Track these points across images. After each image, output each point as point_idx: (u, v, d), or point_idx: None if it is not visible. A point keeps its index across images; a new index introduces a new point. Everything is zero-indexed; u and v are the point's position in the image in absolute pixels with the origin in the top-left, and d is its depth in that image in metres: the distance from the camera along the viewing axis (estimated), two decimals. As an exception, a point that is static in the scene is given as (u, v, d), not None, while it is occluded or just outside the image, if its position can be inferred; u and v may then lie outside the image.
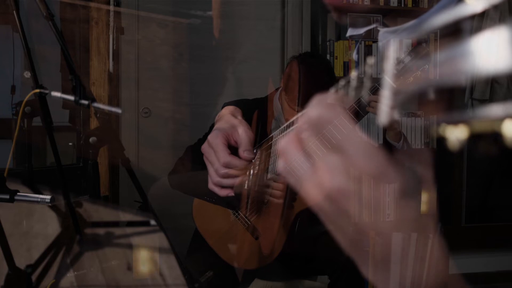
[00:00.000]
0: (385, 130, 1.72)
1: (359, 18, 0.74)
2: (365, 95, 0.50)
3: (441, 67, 0.27)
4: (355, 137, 0.39)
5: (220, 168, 0.74)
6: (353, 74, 0.49)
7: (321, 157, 0.41)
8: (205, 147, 0.77)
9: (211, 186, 0.78)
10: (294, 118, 0.69)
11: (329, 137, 0.41)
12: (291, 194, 1.46)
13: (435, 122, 0.28)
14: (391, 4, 2.79)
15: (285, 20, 2.95)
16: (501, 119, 0.24)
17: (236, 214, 1.54)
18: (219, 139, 0.75)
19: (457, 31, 0.27)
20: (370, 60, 0.46)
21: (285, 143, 0.44)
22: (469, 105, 2.84)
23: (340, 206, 0.40)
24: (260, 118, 1.53)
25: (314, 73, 1.57)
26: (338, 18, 0.68)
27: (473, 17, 0.26)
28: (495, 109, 0.25)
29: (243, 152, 0.73)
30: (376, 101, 0.86)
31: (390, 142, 1.65)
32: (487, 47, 0.24)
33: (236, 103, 1.22)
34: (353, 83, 0.49)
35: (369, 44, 2.84)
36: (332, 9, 0.68)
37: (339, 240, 0.42)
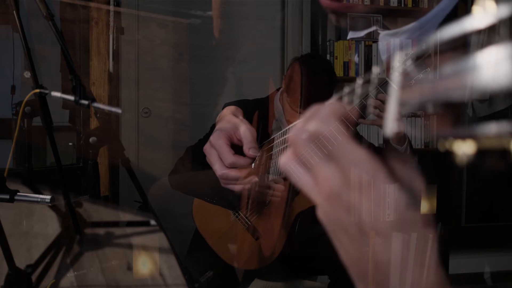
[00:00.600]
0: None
1: (359, 18, 0.74)
2: (368, 98, 0.50)
3: (443, 81, 0.27)
4: (348, 148, 0.40)
5: (224, 168, 0.74)
6: (358, 80, 0.49)
7: (316, 165, 0.41)
8: (207, 148, 0.77)
9: (224, 185, 0.78)
10: (294, 124, 0.69)
11: (323, 147, 0.41)
12: (292, 195, 1.46)
13: (439, 134, 0.28)
14: (391, 4, 2.80)
15: (285, 20, 2.95)
16: (508, 136, 0.24)
17: (236, 214, 1.54)
18: (221, 139, 0.74)
19: (460, 45, 0.27)
20: (376, 69, 0.46)
21: (284, 160, 0.45)
22: (469, 105, 2.84)
23: (337, 213, 0.40)
24: (261, 118, 1.53)
25: (316, 75, 1.57)
26: (337, 21, 0.68)
27: (478, 31, 0.26)
28: (502, 126, 0.25)
29: (248, 149, 0.73)
30: (377, 106, 0.86)
31: (393, 145, 1.64)
32: (490, 61, 0.24)
33: (237, 104, 1.22)
34: (357, 88, 0.49)
35: (369, 44, 2.84)
36: (330, 12, 0.68)
37: (337, 246, 0.42)
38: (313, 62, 1.65)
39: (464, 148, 0.27)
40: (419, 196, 0.40)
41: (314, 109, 0.45)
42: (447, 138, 0.27)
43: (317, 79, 1.56)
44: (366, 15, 0.73)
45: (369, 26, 0.72)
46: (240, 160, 0.73)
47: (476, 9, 0.25)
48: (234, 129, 0.76)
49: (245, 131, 0.74)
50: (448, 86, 0.27)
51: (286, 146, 0.78)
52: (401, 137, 1.64)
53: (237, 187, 0.77)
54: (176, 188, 1.56)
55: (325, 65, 1.70)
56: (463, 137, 0.26)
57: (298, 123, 0.45)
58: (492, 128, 0.25)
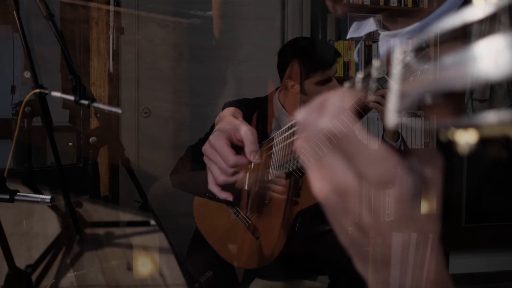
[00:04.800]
0: (384, 129, 1.72)
1: (360, 18, 0.74)
2: (368, 93, 0.50)
3: (442, 72, 0.27)
4: (354, 139, 0.39)
5: (227, 169, 0.74)
6: (358, 75, 0.49)
7: (324, 155, 0.41)
8: (206, 148, 0.77)
9: (211, 186, 0.78)
10: (294, 121, 0.69)
11: (330, 137, 0.40)
12: (292, 194, 1.46)
13: (440, 126, 0.28)
14: (391, 4, 2.80)
15: (285, 20, 2.95)
16: (509, 124, 0.24)
17: (237, 213, 1.54)
18: (221, 140, 0.74)
19: (459, 36, 0.27)
20: (376, 63, 0.46)
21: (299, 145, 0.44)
22: (469, 105, 2.84)
23: (343, 204, 0.40)
24: (261, 118, 1.53)
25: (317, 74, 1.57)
26: (333, 8, 0.68)
27: (476, 22, 0.26)
28: (503, 114, 0.25)
29: (250, 153, 0.73)
30: (378, 101, 0.86)
31: (388, 141, 1.65)
32: (489, 52, 0.24)
33: (237, 103, 1.22)
34: (357, 83, 0.49)
35: (369, 44, 2.84)
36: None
37: (341, 238, 0.42)
38: (312, 52, 1.65)
39: (466, 138, 0.27)
40: (434, 189, 0.40)
41: (317, 101, 0.44)
42: (449, 128, 0.27)
43: (318, 65, 1.56)
44: (366, 15, 0.73)
45: (370, 26, 0.72)
46: (242, 160, 0.73)
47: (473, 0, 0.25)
48: (234, 130, 0.76)
49: (246, 133, 0.74)
50: (449, 77, 0.27)
51: (285, 144, 0.78)
52: (395, 133, 1.65)
53: (222, 194, 0.77)
54: (177, 186, 1.56)
55: (326, 49, 1.71)
56: (464, 127, 0.26)
57: (308, 110, 0.44)
58: (492, 117, 0.25)
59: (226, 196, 0.77)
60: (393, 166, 0.38)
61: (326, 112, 0.42)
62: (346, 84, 0.52)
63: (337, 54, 1.72)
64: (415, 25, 0.55)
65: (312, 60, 1.56)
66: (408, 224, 0.39)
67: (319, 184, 0.41)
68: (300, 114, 0.43)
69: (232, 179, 0.75)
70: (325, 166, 0.41)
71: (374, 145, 0.39)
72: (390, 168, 0.38)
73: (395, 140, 1.65)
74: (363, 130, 0.39)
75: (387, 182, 0.38)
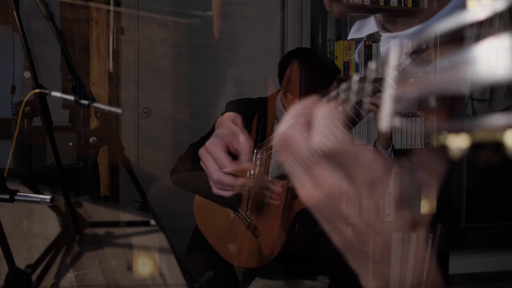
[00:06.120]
0: (377, 135, 1.74)
1: (360, 19, 0.74)
2: (366, 96, 0.50)
3: (441, 74, 0.27)
4: (348, 145, 0.39)
5: (222, 175, 0.75)
6: (355, 76, 0.49)
7: (316, 161, 0.41)
8: (202, 153, 0.77)
9: (216, 191, 0.78)
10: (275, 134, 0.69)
11: (321, 145, 0.40)
12: (291, 194, 1.46)
13: (435, 128, 0.28)
14: (391, 4, 2.79)
15: (285, 20, 2.95)
16: (503, 128, 0.24)
17: (237, 212, 1.54)
18: (218, 146, 0.75)
19: (458, 38, 0.27)
20: (371, 65, 0.46)
21: (281, 140, 0.44)
22: (469, 105, 2.84)
23: (335, 208, 0.40)
24: (262, 119, 1.53)
25: (317, 76, 1.58)
26: (330, 7, 0.68)
27: (475, 24, 0.26)
28: (496, 118, 0.25)
29: (245, 162, 0.74)
30: (377, 103, 0.86)
31: (379, 149, 1.66)
32: (488, 54, 0.24)
33: (240, 102, 1.22)
34: (355, 85, 0.49)
35: (369, 45, 2.84)
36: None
37: (336, 242, 0.42)
38: (313, 64, 1.65)
39: (463, 142, 0.27)
40: (430, 191, 0.40)
41: (300, 109, 0.44)
42: (445, 132, 0.27)
43: (318, 80, 1.56)
44: (366, 15, 0.73)
45: (371, 27, 0.72)
46: (237, 168, 0.74)
47: (471, 2, 0.25)
48: (232, 137, 0.77)
49: (243, 142, 0.75)
50: (444, 80, 0.27)
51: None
52: (387, 140, 1.67)
53: (229, 194, 0.78)
54: (178, 184, 1.56)
55: (326, 64, 1.72)
56: (463, 131, 0.26)
57: (284, 128, 0.44)
58: (490, 122, 0.25)
59: (229, 193, 0.78)
60: (382, 171, 0.38)
61: (314, 125, 0.42)
62: (342, 86, 0.52)
63: (337, 70, 1.74)
64: (417, 27, 0.55)
65: (312, 80, 1.56)
66: (399, 224, 0.39)
67: (307, 191, 0.41)
68: (285, 128, 0.43)
69: (219, 192, 0.76)
70: (314, 174, 0.41)
71: (364, 150, 0.39)
72: (378, 173, 0.38)
73: (386, 148, 1.67)
74: (355, 137, 0.39)
75: (375, 186, 0.38)
